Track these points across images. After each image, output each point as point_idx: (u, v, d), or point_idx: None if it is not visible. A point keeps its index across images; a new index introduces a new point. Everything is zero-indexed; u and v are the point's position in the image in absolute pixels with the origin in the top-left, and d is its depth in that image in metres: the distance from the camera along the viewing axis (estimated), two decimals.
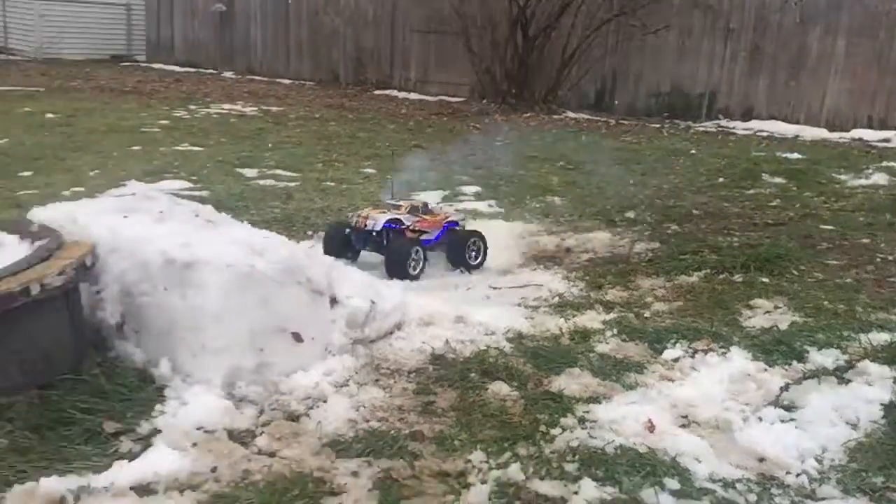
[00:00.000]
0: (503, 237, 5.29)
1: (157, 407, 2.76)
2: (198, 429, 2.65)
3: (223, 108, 11.86)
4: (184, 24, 17.35)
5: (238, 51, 16.98)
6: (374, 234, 4.58)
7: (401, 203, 4.84)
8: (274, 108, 12.19)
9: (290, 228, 5.23)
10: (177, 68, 17.19)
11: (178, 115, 10.99)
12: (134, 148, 8.36)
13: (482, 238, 4.82)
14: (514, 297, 4.18)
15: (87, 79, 14.36)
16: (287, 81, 16.12)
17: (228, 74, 16.67)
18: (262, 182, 6.92)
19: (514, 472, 2.48)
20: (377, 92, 15.23)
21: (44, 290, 2.69)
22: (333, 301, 3.30)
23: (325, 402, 2.90)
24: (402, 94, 14.96)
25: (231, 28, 17.02)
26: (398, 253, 4.50)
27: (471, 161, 8.37)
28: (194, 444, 2.56)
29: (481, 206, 6.42)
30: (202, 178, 6.96)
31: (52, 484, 2.26)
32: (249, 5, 16.65)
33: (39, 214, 3.39)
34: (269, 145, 8.86)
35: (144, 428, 2.64)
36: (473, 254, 4.78)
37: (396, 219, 4.62)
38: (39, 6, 16.20)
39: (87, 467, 2.39)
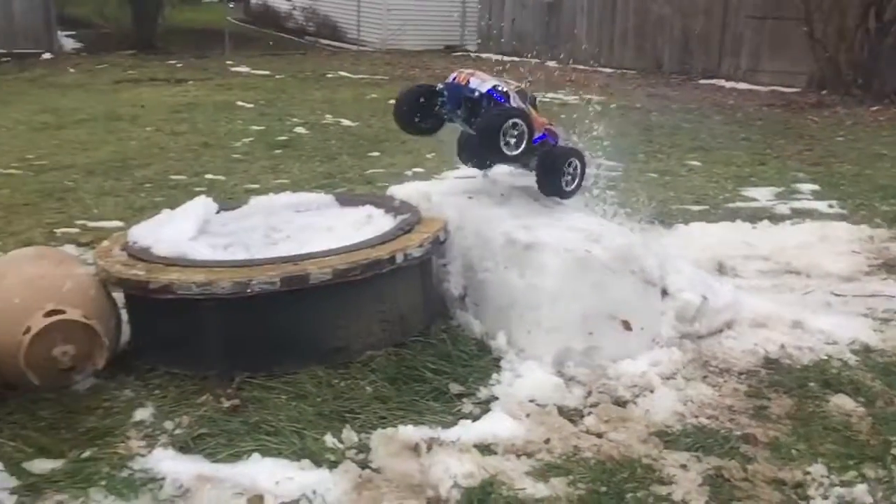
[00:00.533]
0: (845, 240, 4.87)
1: (494, 376, 2.96)
2: (530, 401, 2.81)
3: (545, 97, 12.18)
4: (513, 14, 18.08)
5: (562, 39, 17.32)
6: (475, 96, 3.45)
7: (511, 82, 3.70)
8: (595, 97, 12.27)
9: (615, 218, 5.26)
10: (503, 57, 17.99)
11: None
12: None
13: (582, 158, 3.76)
14: (860, 307, 3.84)
15: (423, 68, 15.57)
16: (608, 70, 16.12)
17: (551, 63, 17.08)
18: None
19: (861, 493, 2.31)
20: (702, 81, 14.66)
21: (406, 260, 3.01)
22: (664, 293, 3.29)
23: (651, 391, 2.92)
24: (729, 84, 14.25)
25: (558, 17, 17.42)
26: (489, 127, 3.34)
27: (807, 157, 7.77)
28: (528, 415, 2.72)
29: (820, 205, 5.95)
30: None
31: (409, 432, 2.54)
32: None
33: (398, 192, 3.77)
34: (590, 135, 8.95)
35: (483, 394, 2.86)
36: (569, 178, 3.70)
37: (506, 92, 3.54)
38: (387, 1, 17.86)
39: (436, 421, 2.65)
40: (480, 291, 3.31)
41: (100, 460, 2.43)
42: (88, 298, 2.87)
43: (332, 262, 2.85)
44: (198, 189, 6.10)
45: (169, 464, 2.38)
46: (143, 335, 3.04)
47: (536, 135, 3.62)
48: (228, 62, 14.56)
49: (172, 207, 5.48)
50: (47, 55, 14.32)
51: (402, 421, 2.63)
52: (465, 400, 2.81)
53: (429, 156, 7.50)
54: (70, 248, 4.51)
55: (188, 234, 3.11)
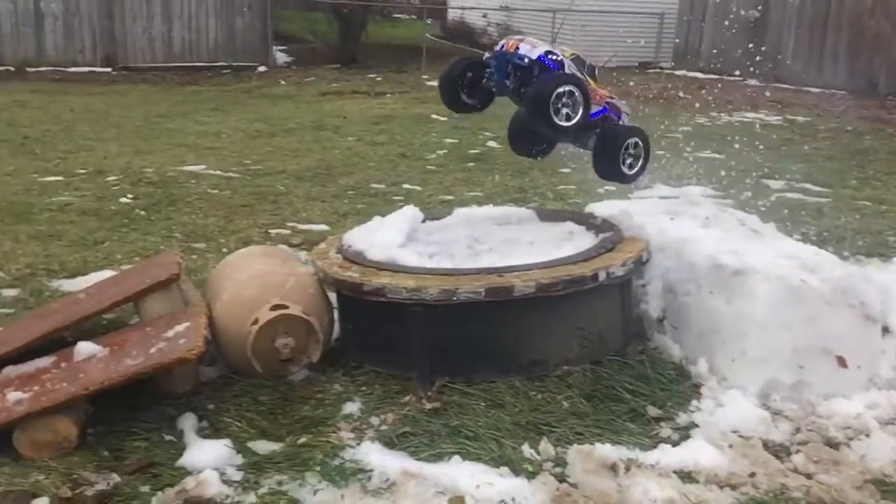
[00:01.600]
0: None
1: (694, 402, 2.89)
2: (733, 432, 2.72)
3: (746, 117, 11.68)
4: (713, 31, 17.48)
5: (767, 57, 16.52)
6: (525, 63, 3.17)
7: (567, 49, 3.42)
8: (800, 118, 11.60)
9: (823, 247, 4.97)
10: (700, 75, 17.41)
11: (699, 121, 11.14)
12: (658, 152, 8.70)
13: (645, 138, 3.42)
14: None
15: (616, 85, 15.40)
16: (815, 90, 15.18)
17: (752, 82, 16.34)
18: (789, 195, 6.67)
19: None
20: None
21: (608, 278, 3.00)
22: (886, 330, 3.07)
23: (867, 435, 2.73)
24: None
25: (761, 35, 16.63)
26: (539, 95, 3.05)
27: None
28: (730, 446, 2.63)
29: None
30: (724, 185, 6.97)
31: (606, 450, 2.53)
32: (785, 11, 16.06)
33: (599, 209, 3.77)
34: (795, 157, 8.49)
35: (682, 419, 2.79)
36: (630, 161, 3.41)
37: (559, 60, 3.22)
38: (582, 17, 17.81)
39: (633, 443, 2.62)
40: (680, 315, 3.24)
41: (314, 447, 2.61)
42: (308, 296, 3.09)
43: (536, 276, 2.90)
44: (395, 198, 6.38)
45: (376, 457, 2.52)
46: (353, 334, 3.22)
47: (596, 109, 3.29)
48: (424, 76, 15.09)
49: (373, 214, 5.78)
50: (262, 68, 15.49)
51: (599, 439, 2.62)
52: (663, 424, 2.76)
53: None
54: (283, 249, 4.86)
55: (397, 241, 3.27)
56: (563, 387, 2.94)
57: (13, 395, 2.64)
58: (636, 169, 3.44)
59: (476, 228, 3.59)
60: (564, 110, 3.08)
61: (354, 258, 3.18)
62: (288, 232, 5.37)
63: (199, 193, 6.34)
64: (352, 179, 7.01)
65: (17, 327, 3.38)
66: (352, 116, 10.74)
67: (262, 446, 2.63)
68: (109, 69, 14.44)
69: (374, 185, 6.79)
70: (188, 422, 2.74)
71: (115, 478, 2.43)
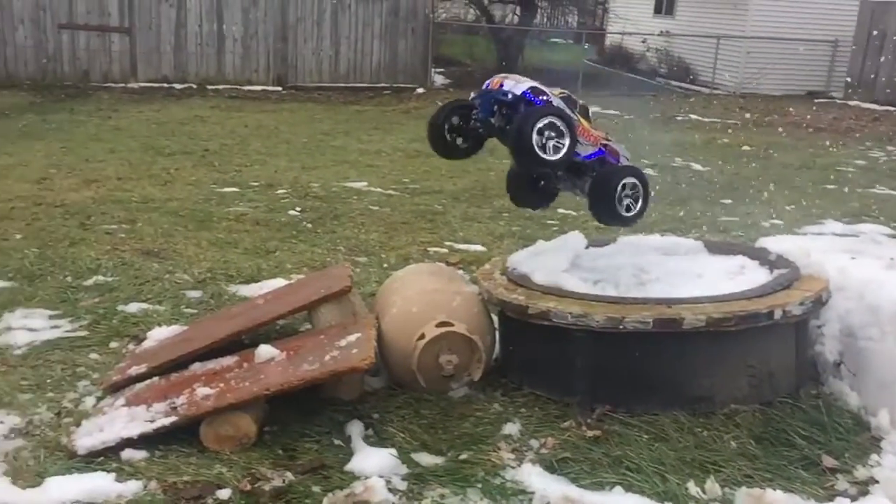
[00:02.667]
0: None
1: (874, 456, 2.72)
2: None
3: None
4: (892, 59, 16.41)
5: None
6: (509, 98, 3.04)
7: (556, 88, 3.29)
8: None
9: None
10: (875, 106, 16.39)
11: (874, 155, 10.50)
12: (828, 186, 8.28)
13: (642, 177, 3.23)
14: None
15: (782, 114, 14.73)
16: None
17: None
18: None
19: None
20: None
21: (784, 317, 2.89)
22: None
23: None
24: None
25: None
26: (521, 127, 2.90)
27: None
28: None
29: None
30: None
31: (777, 497, 2.43)
32: None
33: (773, 244, 3.63)
34: None
35: (861, 473, 2.64)
36: (627, 202, 3.21)
37: (544, 93, 3.09)
38: (747, 44, 17.21)
39: (807, 493, 2.50)
40: (860, 360, 3.06)
41: (475, 464, 2.66)
42: (472, 315, 3.16)
43: (707, 310, 2.83)
44: (550, 221, 6.40)
45: (537, 480, 2.53)
46: (514, 356, 3.26)
47: (590, 150, 3.18)
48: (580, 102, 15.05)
49: (527, 237, 5.86)
50: (421, 90, 15.94)
51: (770, 484, 2.52)
52: (839, 476, 2.61)
53: (788, 208, 7.08)
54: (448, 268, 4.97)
55: (562, 266, 3.29)
56: (731, 426, 2.84)
57: (201, 391, 2.85)
58: (634, 211, 3.27)
59: (641, 257, 3.54)
60: (549, 143, 2.94)
61: (519, 280, 3.22)
62: (445, 251, 5.50)
63: (360, 209, 6.60)
64: (506, 201, 7.03)
65: (202, 327, 3.64)
66: None
67: (425, 458, 2.70)
68: (280, 88, 15.29)
69: (529, 209, 6.82)
70: (355, 429, 2.85)
71: (290, 476, 2.57)
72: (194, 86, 14.80)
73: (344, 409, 3.02)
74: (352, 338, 2.99)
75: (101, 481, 2.46)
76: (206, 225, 5.88)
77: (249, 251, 5.27)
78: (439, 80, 17.45)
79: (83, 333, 3.79)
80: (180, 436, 2.74)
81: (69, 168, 7.78)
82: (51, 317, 3.98)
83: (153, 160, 8.43)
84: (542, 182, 3.40)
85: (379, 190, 7.40)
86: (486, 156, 9.45)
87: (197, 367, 3.16)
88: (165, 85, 14.70)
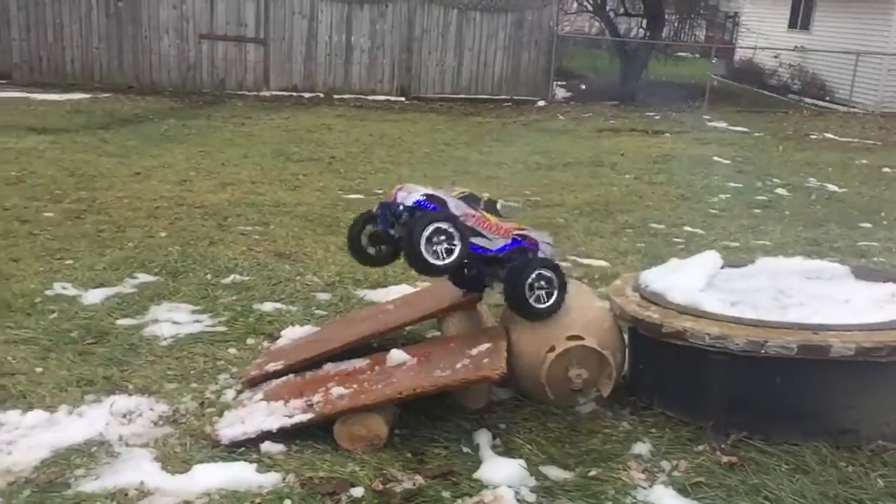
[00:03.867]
0: None
1: None
2: None
3: None
4: None
5: None
6: (400, 210, 3.04)
7: (455, 189, 3.24)
8: None
9: None
10: None
11: None
12: None
13: (556, 270, 3.10)
14: None
15: None
16: None
17: None
18: None
19: None
20: None
21: None
22: None
23: None
24: None
25: None
26: (408, 239, 2.89)
27: None
28: None
29: None
30: None
31: None
32: None
33: None
34: None
35: None
36: (539, 293, 3.07)
37: (440, 199, 3.05)
38: (888, 61, 16.31)
39: None
40: None
41: (605, 482, 2.63)
42: (603, 330, 3.13)
43: (856, 339, 2.70)
44: (676, 239, 6.25)
45: (670, 502, 2.47)
46: (644, 374, 3.20)
47: (501, 243, 3.14)
48: (706, 117, 14.66)
49: (653, 254, 5.74)
50: (541, 102, 15.93)
51: None
52: None
53: None
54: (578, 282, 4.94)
55: (699, 286, 3.20)
56: (878, 463, 2.69)
57: (336, 390, 2.94)
58: (548, 303, 3.11)
59: (781, 280, 3.41)
60: (440, 248, 2.91)
61: (653, 298, 3.16)
62: (568, 265, 5.45)
63: None
64: (630, 217, 6.97)
65: (334, 328, 3.75)
66: (629, 154, 10.69)
67: (553, 472, 2.69)
68: (403, 98, 15.62)
69: (654, 225, 6.69)
70: (483, 437, 2.87)
71: (419, 479, 2.61)
72: (321, 95, 15.32)
73: (471, 417, 3.05)
74: (482, 347, 3.01)
75: (243, 471, 2.58)
76: (334, 230, 6.06)
77: None
78: (561, 93, 17.39)
79: (222, 329, 3.98)
80: (315, 433, 2.83)
81: (207, 171, 8.19)
82: (193, 311, 4.20)
83: (283, 166, 8.77)
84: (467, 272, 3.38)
85: (502, 201, 7.41)
86: (608, 170, 9.41)
87: (330, 368, 3.26)
88: (294, 94, 15.28)
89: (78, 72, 14.75)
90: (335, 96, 15.34)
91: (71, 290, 4.36)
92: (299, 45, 15.29)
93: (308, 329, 3.88)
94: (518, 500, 2.51)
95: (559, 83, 17.72)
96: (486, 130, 12.67)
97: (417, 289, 4.56)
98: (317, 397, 2.93)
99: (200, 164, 8.53)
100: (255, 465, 2.63)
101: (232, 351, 3.71)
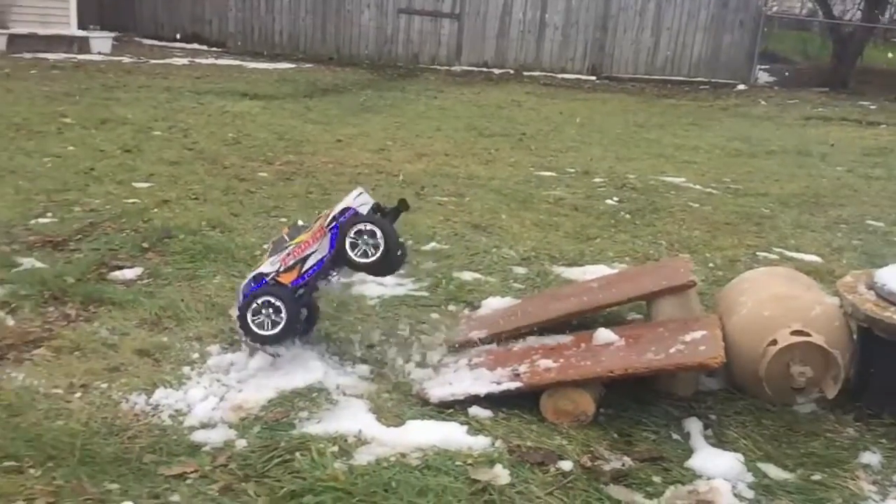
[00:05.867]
0: None
1: None
2: None
3: None
4: None
5: None
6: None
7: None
8: None
9: None
10: None
11: None
12: None
13: (379, 224, 3.02)
14: None
15: None
16: None
17: None
18: None
19: None
20: None
21: None
22: None
23: None
24: None
25: None
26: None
27: None
28: None
29: None
30: None
31: None
32: None
33: None
34: None
35: None
36: (364, 248, 3.02)
37: (259, 274, 3.11)
38: None
39: None
40: None
41: (831, 488, 2.46)
42: (832, 328, 2.92)
43: None
44: None
45: None
46: (875, 379, 2.96)
47: (327, 241, 3.08)
48: None
49: (871, 253, 5.31)
50: (741, 86, 15.14)
51: None
52: None
53: None
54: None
55: None
56: None
57: (543, 362, 2.94)
58: (373, 258, 3.05)
59: None
60: (267, 320, 3.01)
61: (891, 298, 2.91)
62: (775, 257, 5.16)
63: (680, 205, 6.41)
64: (843, 212, 6.49)
65: (535, 302, 3.75)
66: (840, 145, 9.95)
67: (772, 471, 2.55)
68: (594, 77, 15.35)
69: (871, 222, 6.19)
70: (694, 426, 2.77)
71: (628, 461, 2.56)
72: (511, 71, 15.36)
73: (679, 404, 2.95)
74: (696, 334, 2.89)
75: (454, 431, 2.63)
76: (527, 205, 6.06)
77: (570, 235, 5.34)
78: (763, 77, 16.45)
79: (425, 294, 4.08)
80: (520, 402, 2.84)
81: (402, 141, 8.44)
82: (396, 275, 4.33)
83: (475, 140, 8.87)
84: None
85: (698, 187, 7.14)
86: (817, 161, 8.80)
87: (532, 341, 3.26)
88: (485, 69, 15.42)
89: (285, 42, 15.64)
90: (525, 73, 15.32)
91: None
92: (493, 21, 15.38)
93: (508, 301, 3.91)
94: (735, 495, 2.40)
95: (762, 67, 16.73)
96: (681, 113, 12.21)
97: (615, 270, 4.48)
98: (523, 367, 2.94)
99: (396, 135, 8.79)
100: (465, 427, 2.67)
101: (434, 316, 3.79)
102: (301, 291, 3.12)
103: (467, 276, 4.37)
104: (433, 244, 4.87)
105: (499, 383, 2.86)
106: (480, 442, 2.60)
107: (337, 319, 3.65)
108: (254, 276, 3.15)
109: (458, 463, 2.47)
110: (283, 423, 2.69)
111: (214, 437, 2.59)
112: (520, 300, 3.90)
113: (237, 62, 14.31)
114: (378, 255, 3.02)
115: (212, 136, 7.86)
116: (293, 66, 14.53)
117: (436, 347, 3.39)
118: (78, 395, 2.81)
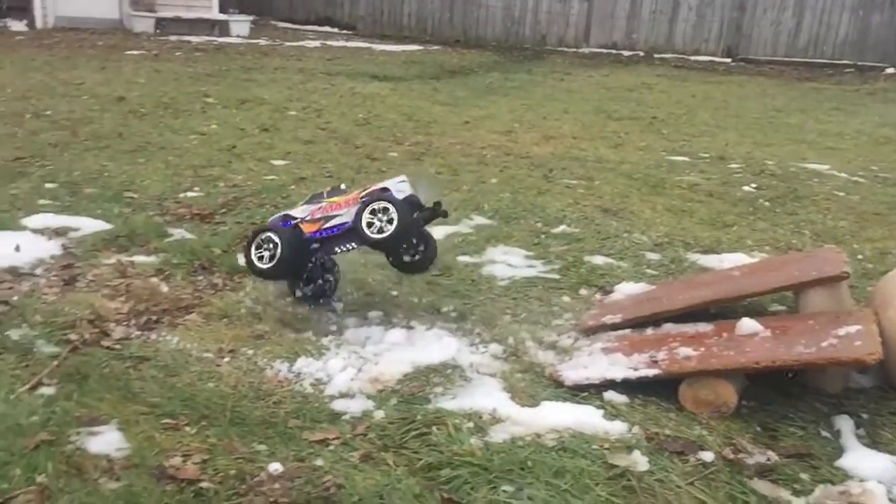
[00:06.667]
0: None
1: None
2: None
3: None
4: None
5: None
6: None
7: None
8: None
9: None
10: None
11: None
12: None
13: (392, 201, 3.11)
14: None
15: None
16: None
17: None
18: None
19: None
20: None
21: None
22: None
23: None
24: None
25: None
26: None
27: None
28: None
29: None
30: None
31: None
32: None
33: None
34: None
35: None
36: (379, 225, 3.10)
37: (287, 214, 3.44)
38: None
39: None
40: None
41: None
42: None
43: None
44: None
45: None
46: None
47: (354, 211, 3.19)
48: None
49: None
50: (891, 70, 14.17)
51: None
52: None
53: None
54: None
55: None
56: None
57: (682, 350, 2.85)
58: (387, 233, 3.12)
59: None
60: (264, 254, 3.27)
61: None
62: None
63: (824, 193, 6.08)
64: None
65: (671, 289, 3.65)
66: None
67: None
68: (728, 60, 14.75)
69: None
70: (845, 424, 2.63)
71: (773, 456, 2.45)
72: (641, 53, 14.97)
73: (827, 401, 2.80)
74: (850, 329, 2.73)
75: (590, 415, 2.60)
76: (659, 190, 5.90)
77: (705, 222, 5.17)
78: None
79: (555, 276, 4.05)
80: (657, 389, 2.78)
81: (529, 123, 8.38)
82: (526, 256, 4.32)
83: (604, 123, 8.71)
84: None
85: (844, 175, 6.74)
86: None
87: (670, 328, 3.17)
88: (614, 51, 15.10)
89: (413, 24, 15.81)
90: (655, 55, 14.89)
91: None
92: (624, 2, 15.01)
93: (642, 286, 3.82)
94: (890, 500, 2.26)
95: None
96: (823, 98, 11.57)
97: (755, 259, 4.30)
98: (661, 354, 2.87)
99: (523, 117, 8.74)
100: (601, 412, 2.64)
101: (565, 299, 3.76)
102: (315, 246, 3.31)
103: (598, 260, 4.30)
104: (563, 227, 4.82)
105: (636, 369, 2.80)
106: (617, 427, 2.55)
107: (469, 298, 3.68)
108: (283, 215, 3.42)
109: (594, 447, 2.44)
110: (418, 396, 2.73)
111: (353, 406, 2.66)
112: (654, 286, 3.81)
113: (366, 44, 14.59)
114: (392, 231, 3.10)
115: (343, 116, 8.06)
116: (420, 48, 14.68)
117: (568, 330, 3.36)
118: (227, 359, 2.95)
